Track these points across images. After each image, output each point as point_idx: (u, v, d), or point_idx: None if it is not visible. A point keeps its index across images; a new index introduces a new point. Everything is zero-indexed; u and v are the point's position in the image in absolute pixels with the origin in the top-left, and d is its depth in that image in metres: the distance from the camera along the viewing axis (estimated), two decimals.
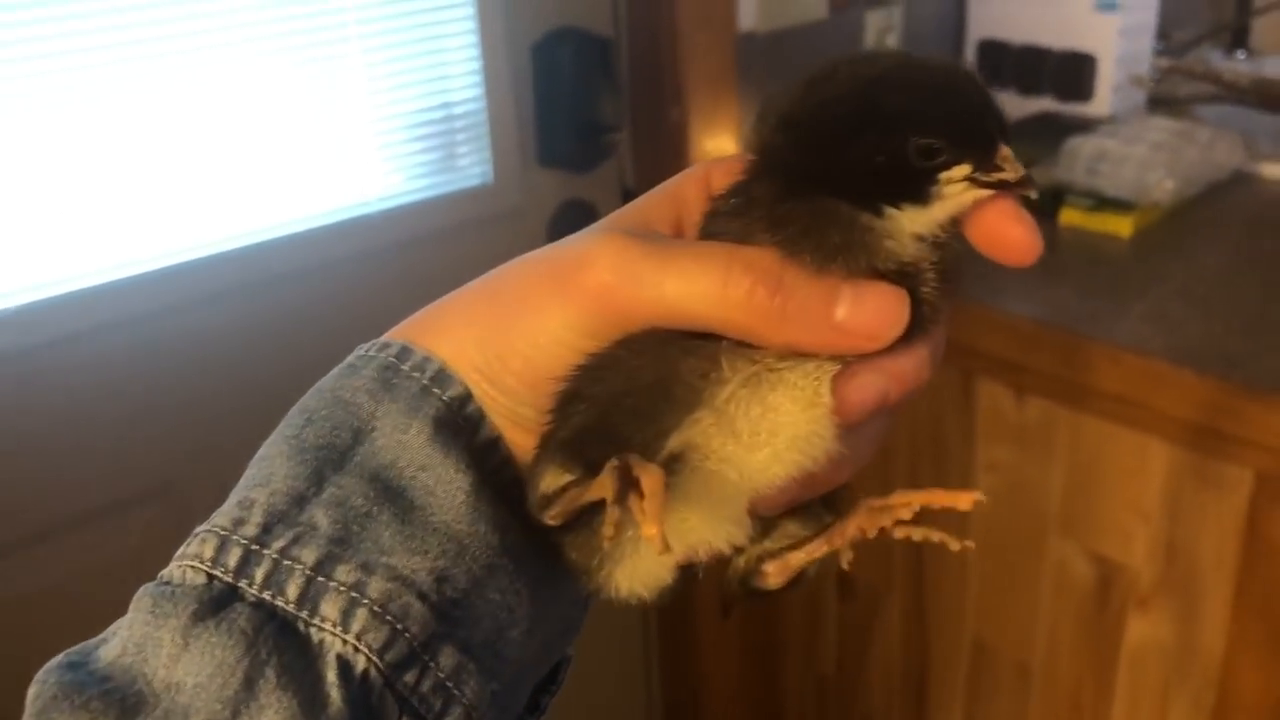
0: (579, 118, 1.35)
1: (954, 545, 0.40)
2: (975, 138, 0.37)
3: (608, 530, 0.35)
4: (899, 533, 0.42)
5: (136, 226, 1.12)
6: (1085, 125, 1.50)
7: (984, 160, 0.37)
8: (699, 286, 0.37)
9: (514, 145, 1.34)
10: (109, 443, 1.14)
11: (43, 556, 1.12)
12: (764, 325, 0.37)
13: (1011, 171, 0.37)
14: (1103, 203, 1.37)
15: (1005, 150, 0.37)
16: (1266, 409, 1.03)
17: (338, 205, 1.24)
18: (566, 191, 1.41)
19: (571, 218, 1.40)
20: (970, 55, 1.71)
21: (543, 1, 1.33)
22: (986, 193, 0.37)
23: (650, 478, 0.35)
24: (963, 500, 0.40)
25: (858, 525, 0.42)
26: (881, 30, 1.59)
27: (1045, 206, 1.39)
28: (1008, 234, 0.37)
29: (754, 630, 1.67)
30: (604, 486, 0.36)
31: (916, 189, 0.37)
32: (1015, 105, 1.67)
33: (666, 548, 0.34)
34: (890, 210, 0.37)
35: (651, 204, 0.42)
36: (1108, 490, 1.18)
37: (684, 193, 0.42)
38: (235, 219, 1.18)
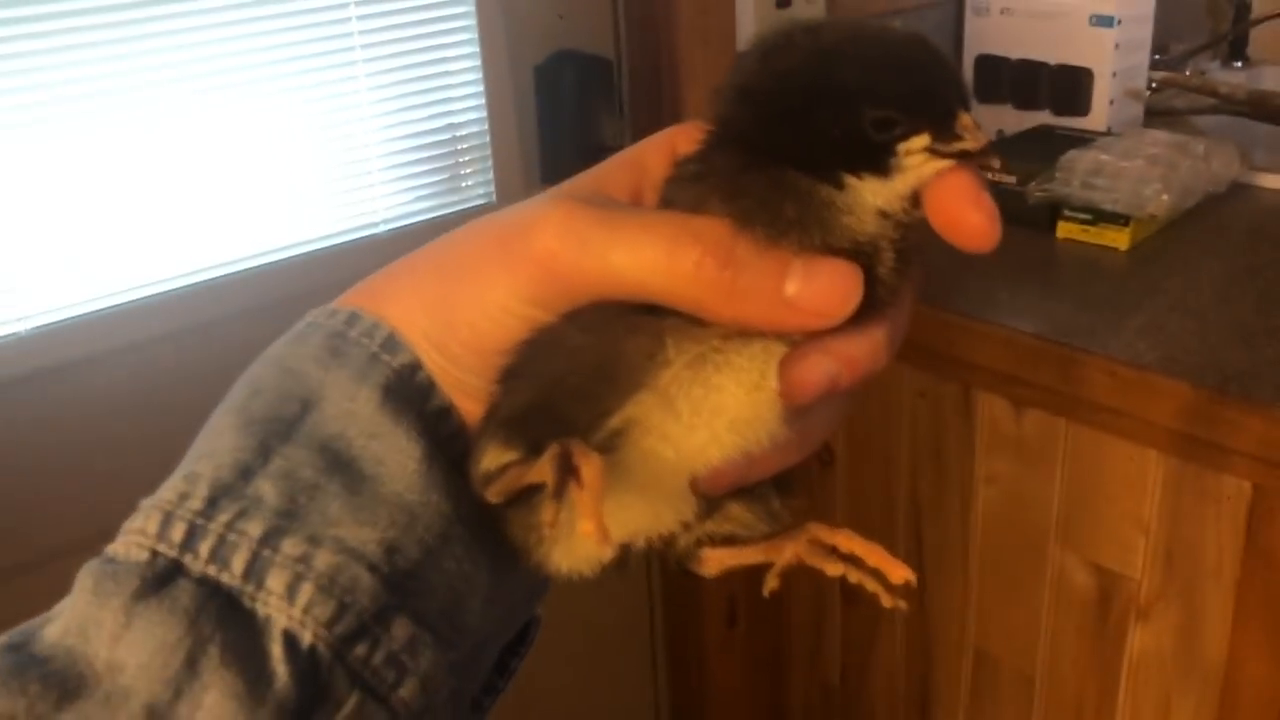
0: (581, 138, 1.37)
1: (886, 602, 0.39)
2: (933, 107, 0.35)
3: (547, 517, 0.34)
4: (831, 570, 0.40)
5: (143, 252, 1.13)
6: (1082, 139, 1.51)
7: (943, 130, 0.35)
8: (646, 256, 0.35)
9: (517, 166, 1.36)
10: (111, 468, 1.15)
11: (32, 585, 1.13)
12: (712, 299, 0.35)
13: (973, 140, 0.35)
14: (1100, 216, 1.38)
15: (966, 119, 0.35)
16: (1263, 421, 1.04)
17: (344, 227, 1.26)
18: None
19: None
20: (968, 70, 1.73)
21: (544, 24, 1.35)
22: (947, 163, 0.36)
23: (589, 467, 0.34)
24: (896, 572, 0.39)
25: (795, 551, 0.41)
26: None
27: (1042, 220, 1.40)
28: (966, 218, 0.36)
29: (759, 639, 1.68)
30: (543, 471, 0.35)
31: (876, 161, 0.36)
32: (1013, 119, 1.68)
33: (604, 539, 0.34)
34: (851, 181, 0.36)
35: (610, 170, 0.40)
36: (1107, 502, 1.19)
37: (646, 159, 0.40)
38: (243, 242, 1.19)
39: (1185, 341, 1.16)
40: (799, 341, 0.37)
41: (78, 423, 1.13)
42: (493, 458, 0.37)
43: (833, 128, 0.36)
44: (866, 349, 0.37)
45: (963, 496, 1.32)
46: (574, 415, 0.36)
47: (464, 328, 0.38)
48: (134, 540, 0.35)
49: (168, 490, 0.36)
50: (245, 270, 1.19)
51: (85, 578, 0.35)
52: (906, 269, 0.37)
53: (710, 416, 0.37)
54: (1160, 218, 1.39)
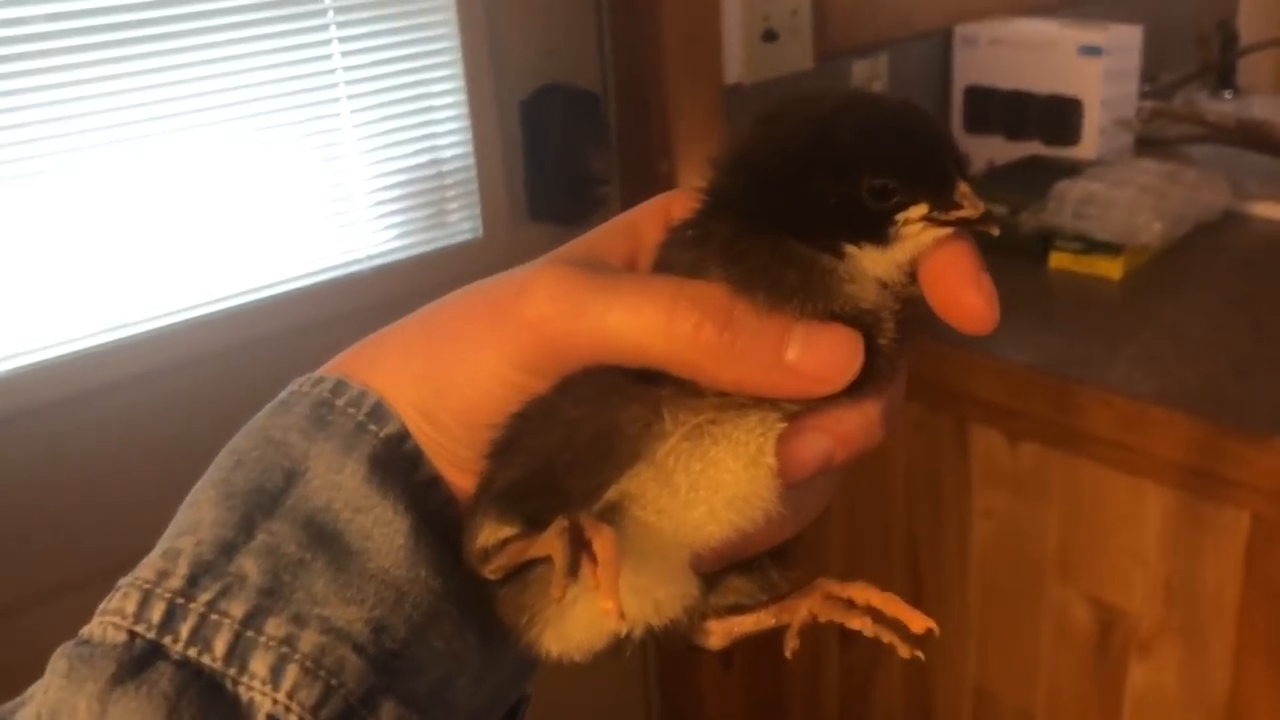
0: (568, 172, 1.36)
1: (904, 652, 0.38)
2: (930, 176, 0.35)
3: (557, 594, 0.33)
4: (850, 623, 0.39)
5: (125, 290, 1.12)
6: (1073, 169, 1.51)
7: (941, 198, 0.35)
8: (643, 319, 0.35)
9: (504, 200, 1.35)
10: (90, 509, 1.14)
11: (22, 627, 1.11)
12: (710, 363, 0.35)
13: (971, 209, 0.35)
14: (1092, 246, 1.37)
15: (964, 187, 0.35)
16: (1260, 450, 1.03)
17: (329, 263, 1.25)
18: (557, 245, 1.40)
19: None
20: (957, 102, 1.73)
21: (530, 58, 1.35)
22: (946, 231, 0.36)
23: (602, 540, 0.33)
24: (917, 622, 0.38)
25: (809, 609, 0.40)
26: (867, 79, 1.61)
27: (1034, 250, 1.40)
28: (965, 300, 0.36)
29: (757, 681, 1.65)
30: (549, 544, 0.34)
31: (874, 230, 0.36)
32: (1003, 150, 1.68)
33: (621, 617, 0.33)
34: (850, 250, 0.36)
35: (604, 236, 0.40)
36: (1105, 535, 1.18)
37: (640, 225, 0.40)
38: (227, 279, 1.18)
39: (1180, 371, 1.15)
40: (796, 413, 0.36)
41: (57, 463, 1.11)
42: (489, 533, 0.36)
43: (830, 196, 0.35)
44: (861, 425, 0.37)
45: (959, 531, 1.30)
46: (570, 487, 0.35)
47: (453, 396, 0.37)
48: (110, 621, 0.34)
49: (146, 568, 0.35)
50: (229, 308, 1.18)
51: (59, 661, 0.33)
52: (905, 342, 0.37)
53: (708, 492, 0.36)
54: (1153, 247, 1.39)
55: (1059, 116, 1.63)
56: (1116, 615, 1.19)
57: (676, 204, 0.40)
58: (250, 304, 1.19)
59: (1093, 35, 1.59)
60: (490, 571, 0.36)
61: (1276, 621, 1.06)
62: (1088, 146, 1.63)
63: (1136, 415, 1.10)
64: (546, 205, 1.38)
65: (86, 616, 0.35)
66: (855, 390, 0.36)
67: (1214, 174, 1.52)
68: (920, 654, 0.38)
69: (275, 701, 0.33)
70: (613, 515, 0.36)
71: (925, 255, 0.36)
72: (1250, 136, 1.60)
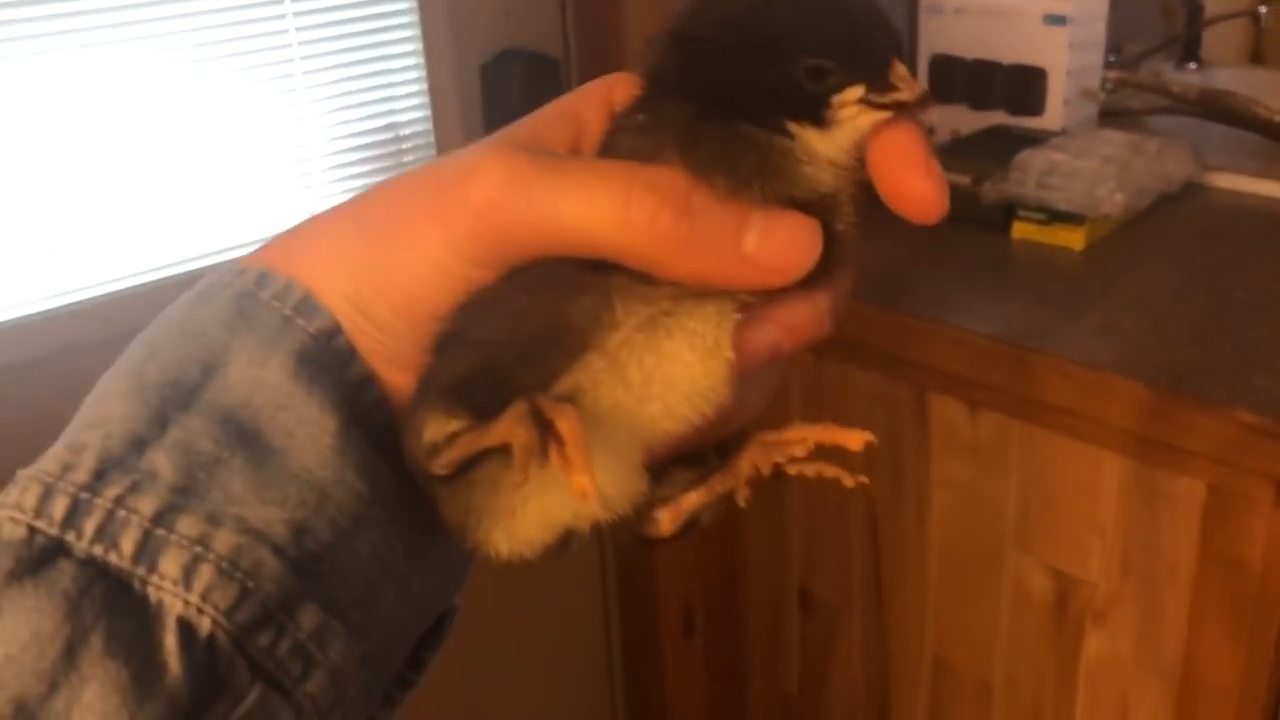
0: None
1: (848, 481, 0.38)
2: (867, 57, 0.35)
3: (519, 479, 0.32)
4: (792, 469, 0.39)
5: (78, 255, 1.10)
6: (1037, 139, 1.50)
7: (878, 80, 0.35)
8: (598, 207, 0.33)
9: None
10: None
11: None
12: (667, 253, 0.33)
13: (907, 91, 0.35)
14: (1054, 216, 1.37)
15: (901, 69, 0.35)
16: (1217, 420, 1.03)
17: (287, 226, 1.22)
18: None
19: None
20: (922, 70, 1.72)
21: (491, 22, 1.33)
22: (884, 115, 0.35)
23: (567, 420, 0.32)
24: (853, 439, 0.37)
25: (751, 461, 0.39)
26: None
27: (997, 220, 1.39)
28: (912, 185, 0.35)
29: (717, 650, 1.66)
30: (507, 431, 0.33)
31: (812, 111, 0.35)
32: (967, 119, 1.67)
33: (596, 494, 0.32)
34: (795, 129, 0.35)
35: (545, 120, 0.38)
36: (1063, 504, 1.18)
37: (582, 110, 0.38)
38: (179, 245, 1.16)
39: (1140, 341, 1.15)
40: (749, 304, 0.35)
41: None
42: (436, 427, 0.34)
43: (767, 76, 0.35)
44: (812, 315, 0.36)
45: (919, 501, 1.30)
46: (518, 380, 0.34)
47: (392, 288, 0.35)
48: (8, 516, 0.32)
49: (48, 460, 0.33)
50: (185, 272, 1.16)
51: None
52: (859, 227, 0.36)
53: (663, 387, 0.35)
54: (1115, 217, 1.39)
55: (1023, 86, 1.63)
56: (1073, 584, 1.19)
57: (617, 89, 0.38)
58: (201, 271, 1.17)
59: (1058, 4, 1.59)
60: (439, 466, 0.34)
61: (1230, 590, 1.07)
62: (1052, 117, 1.62)
63: (1096, 385, 1.10)
64: None
65: None
66: (808, 280, 0.35)
67: (1178, 145, 1.52)
68: (865, 479, 0.38)
69: (187, 603, 0.31)
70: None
71: (870, 140, 0.35)
72: (1213, 108, 1.61)
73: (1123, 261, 1.35)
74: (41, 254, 1.08)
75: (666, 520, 0.40)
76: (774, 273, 0.34)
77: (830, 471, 0.38)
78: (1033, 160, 1.40)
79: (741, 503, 0.39)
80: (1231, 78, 1.96)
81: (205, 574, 0.32)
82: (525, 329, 0.34)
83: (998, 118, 1.66)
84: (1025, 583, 1.23)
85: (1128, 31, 1.90)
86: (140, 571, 0.31)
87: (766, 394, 0.39)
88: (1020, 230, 1.39)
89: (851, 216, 0.36)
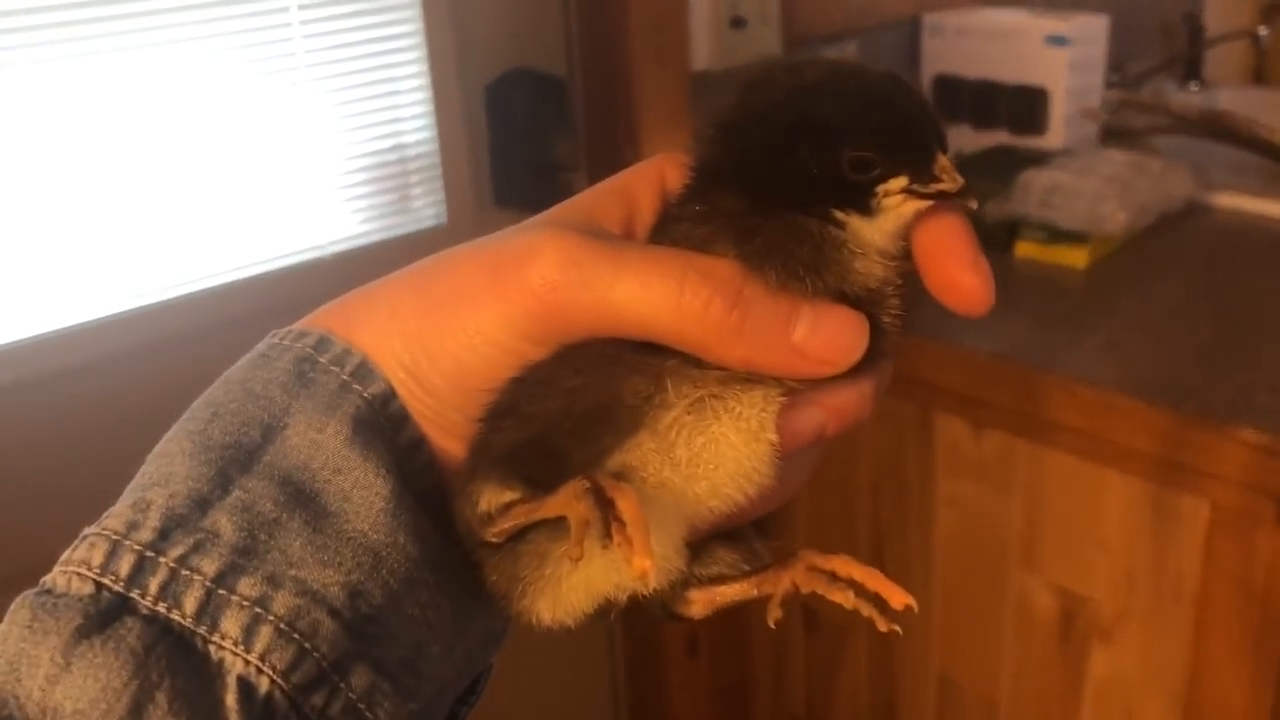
0: (534, 158, 1.36)
1: (881, 626, 0.38)
2: (910, 148, 0.36)
3: (575, 552, 0.32)
4: (832, 595, 0.39)
5: (85, 275, 1.11)
6: (1039, 158, 1.51)
7: (921, 171, 0.36)
8: (652, 293, 0.34)
9: (468, 186, 1.34)
10: (47, 495, 1.12)
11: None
12: (718, 340, 0.35)
13: (950, 182, 0.36)
14: (1057, 235, 1.37)
15: (943, 160, 0.36)
16: (1220, 439, 1.03)
17: (291, 249, 1.23)
18: None
19: None
20: (925, 91, 1.73)
21: (496, 42, 1.34)
22: (926, 204, 0.36)
23: (629, 502, 0.33)
24: (896, 596, 0.38)
25: (793, 580, 0.40)
26: None
27: (1000, 239, 1.40)
28: (962, 282, 0.36)
29: (723, 670, 1.65)
30: (564, 506, 0.33)
31: (859, 201, 0.36)
32: (970, 139, 1.68)
33: (655, 580, 0.32)
34: (842, 218, 0.36)
35: (600, 199, 0.39)
36: (1067, 523, 1.18)
37: (635, 190, 0.39)
38: (188, 265, 1.17)
39: (1143, 360, 1.15)
40: (796, 389, 0.36)
41: (19, 445, 1.09)
42: (491, 497, 0.35)
43: (813, 166, 0.36)
44: (855, 400, 0.37)
45: (924, 519, 1.30)
46: (571, 455, 0.35)
47: (447, 359, 0.36)
48: (75, 571, 0.32)
49: (114, 519, 0.33)
50: (193, 293, 1.17)
51: (20, 610, 0.32)
52: (904, 320, 0.37)
53: (709, 467, 0.36)
54: (1117, 236, 1.39)
55: (1026, 106, 1.64)
56: (1079, 602, 1.19)
57: (670, 169, 0.39)
58: (214, 289, 1.18)
59: (1059, 25, 1.60)
60: (493, 535, 0.35)
61: (1235, 608, 1.07)
62: (1054, 136, 1.63)
63: (1099, 404, 1.11)
64: (512, 191, 1.37)
65: None
66: (855, 369, 0.36)
67: (1179, 164, 1.53)
68: (898, 629, 0.38)
69: (247, 663, 0.32)
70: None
71: (917, 230, 0.37)
72: (1214, 127, 1.61)
73: (1125, 280, 1.35)
74: (45, 275, 1.08)
75: (700, 605, 0.41)
76: (821, 364, 0.35)
77: (866, 611, 0.38)
78: (1035, 180, 1.40)
79: (771, 623, 0.40)
80: (1233, 98, 1.97)
81: (265, 635, 0.33)
82: (578, 407, 0.35)
83: (1000, 137, 1.66)
84: (1030, 601, 1.23)
85: (1130, 51, 1.91)
86: (202, 630, 0.32)
87: (807, 472, 0.40)
88: (1023, 249, 1.40)
89: (897, 309, 0.37)
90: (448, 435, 0.37)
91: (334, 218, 1.26)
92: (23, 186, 1.06)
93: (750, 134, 0.37)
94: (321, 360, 0.37)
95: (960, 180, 0.36)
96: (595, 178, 1.41)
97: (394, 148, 1.29)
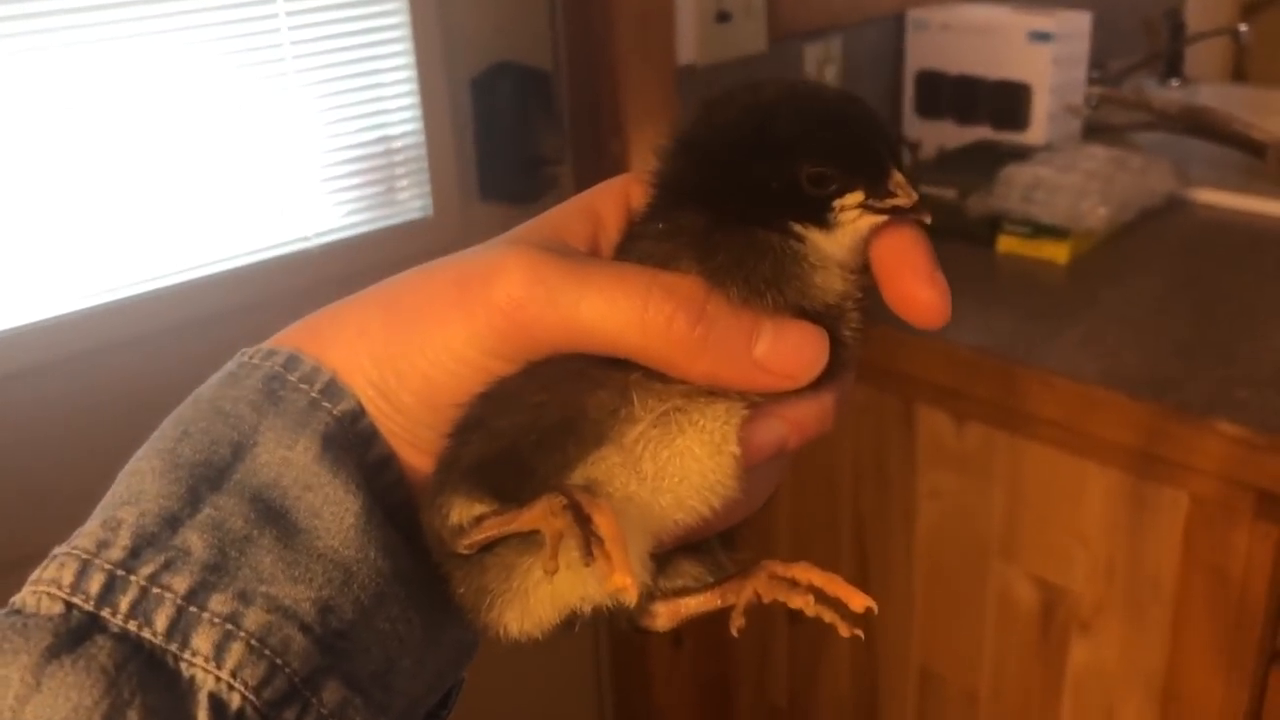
0: (519, 151, 1.36)
1: (844, 631, 0.39)
2: (866, 164, 0.37)
3: (550, 565, 0.34)
4: (793, 602, 0.40)
5: (67, 266, 1.10)
6: (1022, 153, 1.52)
7: (876, 186, 0.37)
8: (617, 310, 0.35)
9: (454, 179, 1.34)
10: (27, 491, 1.12)
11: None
12: (682, 355, 0.35)
13: (905, 197, 0.37)
14: (1039, 230, 1.38)
15: (898, 176, 0.37)
16: (1199, 432, 1.04)
17: (276, 240, 1.23)
18: (508, 225, 1.37)
19: None
20: (909, 86, 1.73)
21: (482, 35, 1.34)
22: (881, 218, 0.37)
23: (606, 519, 0.33)
24: (857, 600, 0.38)
25: (755, 589, 0.40)
26: (820, 62, 1.61)
27: (982, 234, 1.41)
28: (918, 295, 0.37)
29: (706, 663, 1.66)
30: (540, 520, 0.34)
31: (816, 216, 0.37)
32: (953, 134, 1.69)
33: (636, 595, 0.33)
34: (801, 231, 0.37)
35: (566, 217, 0.39)
36: (1048, 515, 1.19)
37: (601, 207, 0.40)
38: (172, 256, 1.16)
39: (1123, 354, 1.16)
40: (759, 402, 0.37)
41: (6, 441, 1.09)
42: (463, 510, 0.36)
43: (772, 181, 0.37)
44: (816, 413, 0.38)
45: (905, 512, 1.31)
46: (538, 468, 0.36)
47: (415, 376, 0.36)
48: (45, 591, 0.33)
49: (84, 537, 0.34)
50: (176, 284, 1.16)
51: None
52: (866, 329, 0.38)
53: (674, 480, 0.36)
54: (1098, 231, 1.40)
55: (1008, 101, 1.65)
56: (1059, 594, 1.20)
57: (634, 187, 0.40)
58: (197, 280, 1.17)
59: (1042, 21, 1.61)
60: (464, 547, 0.36)
61: (1213, 600, 1.08)
62: (1036, 132, 1.64)
63: (1080, 397, 1.12)
64: (497, 184, 1.37)
65: None
66: (816, 382, 0.37)
67: (1160, 160, 1.54)
68: (860, 633, 0.39)
69: (218, 679, 0.32)
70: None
71: (874, 244, 0.37)
72: (1195, 124, 1.63)
73: (1106, 275, 1.36)
74: (30, 266, 1.08)
75: (664, 618, 0.41)
76: (783, 378, 0.36)
77: (829, 617, 0.39)
78: (1017, 175, 1.41)
79: (735, 631, 0.40)
80: (1214, 94, 1.99)
81: (236, 651, 0.33)
82: (545, 421, 0.36)
83: (983, 133, 1.67)
84: (1011, 593, 1.24)
85: (1111, 48, 1.92)
86: (173, 648, 0.33)
87: (770, 485, 0.41)
88: (1005, 244, 1.41)
89: (857, 323, 0.38)
90: (416, 451, 0.38)
91: (320, 209, 1.26)
92: (6, 178, 1.05)
93: (711, 151, 0.38)
94: (290, 378, 0.37)
95: (915, 195, 0.37)
96: (580, 171, 1.41)
97: (380, 140, 1.28)
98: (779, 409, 0.37)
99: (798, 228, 0.37)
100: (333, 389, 0.37)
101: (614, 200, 0.40)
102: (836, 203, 0.37)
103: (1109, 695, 1.19)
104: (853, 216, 0.37)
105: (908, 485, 1.30)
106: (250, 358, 0.38)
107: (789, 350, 0.36)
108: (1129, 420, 1.09)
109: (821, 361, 0.36)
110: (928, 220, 0.37)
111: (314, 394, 0.37)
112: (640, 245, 0.38)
